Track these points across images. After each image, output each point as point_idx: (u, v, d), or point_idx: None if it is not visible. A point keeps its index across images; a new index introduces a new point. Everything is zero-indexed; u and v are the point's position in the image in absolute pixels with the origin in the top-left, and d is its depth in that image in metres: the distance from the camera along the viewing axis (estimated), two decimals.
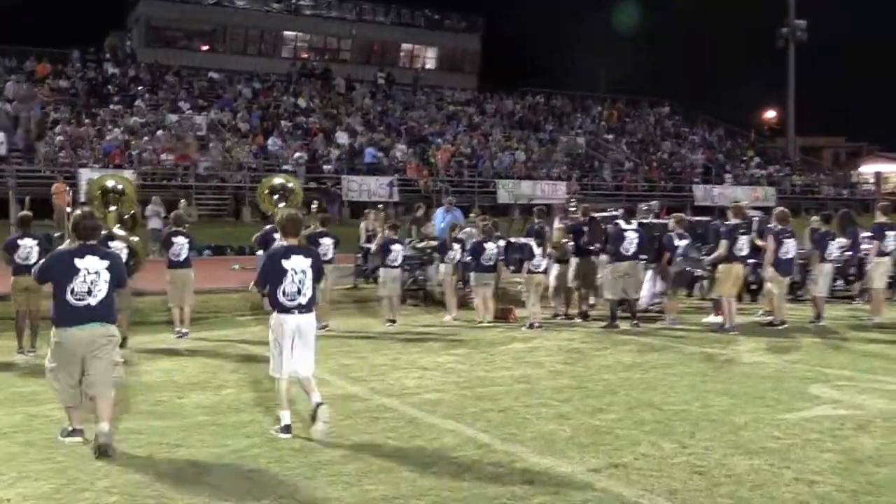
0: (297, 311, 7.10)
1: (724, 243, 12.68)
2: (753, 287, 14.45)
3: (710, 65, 62.30)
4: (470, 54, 51.92)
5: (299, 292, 7.10)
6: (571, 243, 14.46)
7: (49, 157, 30.32)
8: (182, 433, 7.14)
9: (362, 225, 18.23)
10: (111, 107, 35.65)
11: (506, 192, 35.62)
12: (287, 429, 7.02)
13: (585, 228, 14.27)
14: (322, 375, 9.61)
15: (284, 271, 7.07)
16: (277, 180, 13.68)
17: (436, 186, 34.89)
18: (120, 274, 7.01)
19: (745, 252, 12.93)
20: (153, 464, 6.28)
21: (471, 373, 9.77)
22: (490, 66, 52.44)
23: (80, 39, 42.27)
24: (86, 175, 28.46)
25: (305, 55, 48.25)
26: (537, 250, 13.59)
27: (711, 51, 62.06)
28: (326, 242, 13.54)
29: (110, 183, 12.57)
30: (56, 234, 18.90)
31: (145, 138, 32.71)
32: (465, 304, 15.45)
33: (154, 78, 40.43)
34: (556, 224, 15.66)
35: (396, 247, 14.22)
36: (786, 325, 13.13)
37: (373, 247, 15.44)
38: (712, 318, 13.93)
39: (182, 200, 26.01)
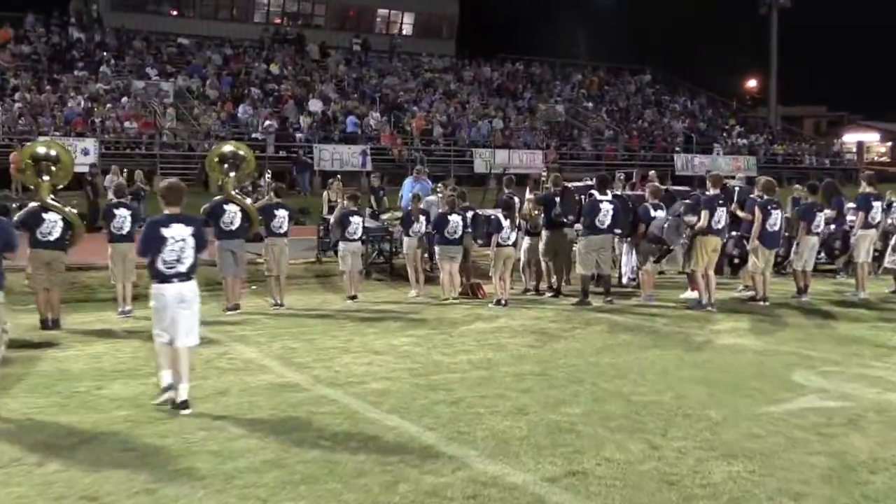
0: (176, 280, 7.03)
1: (704, 214, 11.89)
2: (736, 261, 13.64)
3: (692, 32, 61.18)
4: (447, 19, 50.63)
5: (178, 260, 7.04)
6: (542, 215, 13.66)
7: (7, 125, 29.14)
8: (89, 430, 6.32)
9: (325, 195, 17.29)
10: (75, 73, 34.37)
11: (482, 161, 34.71)
12: (167, 389, 7.00)
13: (557, 199, 13.45)
14: (263, 361, 8.86)
15: (164, 239, 7.02)
16: (227, 148, 12.79)
17: (410, 155, 33.96)
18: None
19: (722, 224, 12.14)
20: (43, 473, 5.44)
21: (427, 357, 8.97)
22: (468, 32, 51.26)
23: (44, 2, 40.82)
24: None
25: (278, 20, 46.83)
26: (505, 222, 12.78)
27: (693, 17, 60.96)
28: (281, 214, 12.69)
29: (42, 150, 11.67)
30: (14, 205, 18.06)
31: (108, 105, 31.51)
32: (432, 278, 14.68)
33: (121, 43, 39.03)
34: (527, 195, 14.82)
35: (356, 219, 13.36)
36: (768, 302, 12.43)
37: (332, 219, 14.54)
38: (689, 294, 13.19)
39: (137, 171, 25.13)
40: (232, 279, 12.22)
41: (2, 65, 33.60)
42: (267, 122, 32.64)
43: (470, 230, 13.54)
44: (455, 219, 13.22)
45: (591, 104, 46.15)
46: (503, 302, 12.56)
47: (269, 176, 13.82)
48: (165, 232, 7.02)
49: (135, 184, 24.71)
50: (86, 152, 27.82)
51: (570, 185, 13.91)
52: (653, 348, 9.33)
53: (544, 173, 14.75)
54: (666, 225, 12.12)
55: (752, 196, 13.05)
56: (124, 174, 22.20)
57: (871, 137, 55.01)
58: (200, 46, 40.96)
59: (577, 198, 13.19)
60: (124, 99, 32.46)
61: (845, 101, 65.11)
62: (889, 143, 55.41)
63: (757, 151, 44.35)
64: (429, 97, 40.83)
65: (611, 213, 12.44)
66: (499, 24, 56.87)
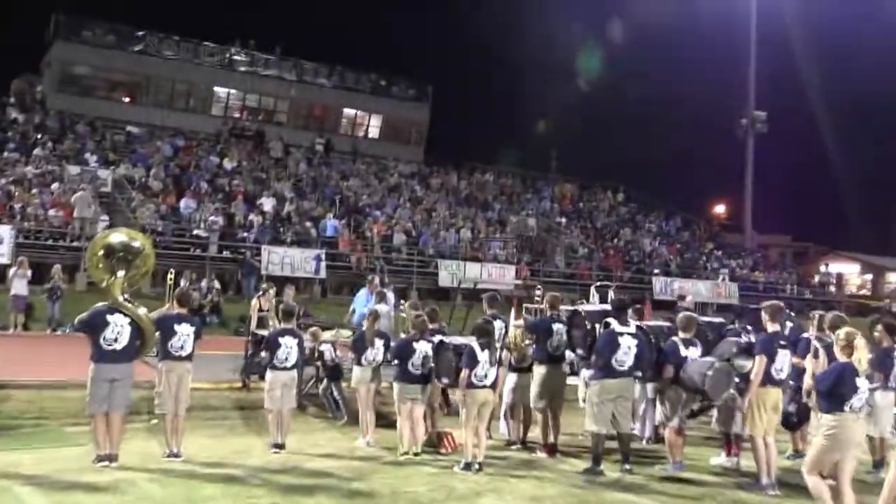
0: None
1: (760, 359, 8.76)
2: (794, 420, 10.31)
3: (665, 152, 60.01)
4: (416, 125, 48.29)
5: None
6: (535, 345, 10.46)
7: None
8: None
9: (255, 303, 13.87)
10: (4, 155, 30.99)
11: (448, 273, 31.57)
12: None
13: (557, 326, 10.28)
14: None
15: None
16: (117, 237, 9.44)
17: (370, 264, 30.82)
18: None
19: (785, 373, 9.01)
20: None
21: None
22: (436, 139, 48.99)
23: None
24: None
25: (238, 114, 44.14)
26: (482, 354, 9.41)
27: (666, 138, 59.89)
28: (183, 331, 9.28)
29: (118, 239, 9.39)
30: None
31: (34, 191, 28.08)
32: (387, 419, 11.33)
33: (62, 127, 35.99)
34: (513, 319, 11.62)
35: (288, 340, 10.01)
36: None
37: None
38: (723, 460, 10.02)
39: (55, 265, 21.71)
40: (104, 417, 8.76)
41: None
42: (211, 219, 29.36)
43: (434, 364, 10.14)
44: (422, 347, 9.92)
45: (564, 219, 43.64)
46: (477, 466, 9.18)
47: (172, 277, 10.19)
48: None
49: (52, 279, 21.36)
50: None
51: (580, 308, 10.69)
52: None
53: (539, 291, 11.62)
54: (710, 372, 8.92)
55: (806, 335, 9.97)
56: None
57: (851, 269, 52.97)
58: (151, 136, 38.01)
59: (588, 327, 9.90)
60: (54, 185, 29.08)
61: (811, 232, 63.98)
62: (869, 276, 53.37)
63: (742, 278, 41.83)
64: (393, 202, 38.00)
65: (633, 350, 9.25)
66: (469, 133, 55.03)
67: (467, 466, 9.18)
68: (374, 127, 47.59)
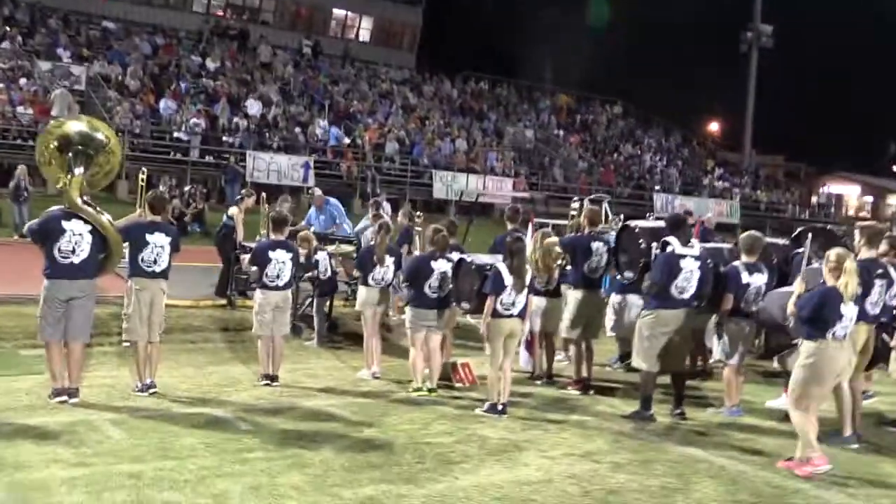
0: None
1: None
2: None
3: (661, 65, 57.61)
4: (409, 28, 45.90)
5: None
6: (569, 266, 8.98)
7: None
8: None
9: (234, 211, 12.12)
10: None
11: (443, 185, 30.04)
12: None
13: (597, 245, 8.81)
14: None
15: None
16: (75, 126, 7.73)
17: (361, 172, 29.19)
18: None
19: (880, 306, 7.57)
20: None
21: None
22: (429, 45, 46.59)
23: None
24: None
25: (220, 13, 41.65)
26: (509, 278, 7.92)
27: (664, 50, 57.48)
28: (157, 241, 7.69)
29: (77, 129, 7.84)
30: None
31: (0, 86, 26.07)
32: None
33: (33, 20, 33.62)
34: (530, 233, 10.11)
35: (280, 254, 8.47)
36: None
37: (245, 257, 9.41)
38: (782, 402, 8.63)
39: (21, 166, 19.86)
40: (59, 344, 7.28)
41: None
42: (193, 121, 27.48)
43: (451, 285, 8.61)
44: (441, 267, 8.40)
45: (562, 132, 41.83)
46: (500, 408, 7.79)
47: (143, 177, 8.41)
48: None
49: (16, 180, 19.57)
50: None
51: (632, 223, 9.12)
52: None
53: (575, 204, 10.08)
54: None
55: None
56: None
57: (852, 190, 51.57)
58: (128, 32, 35.65)
59: (642, 246, 8.36)
60: (23, 80, 27.09)
61: (804, 153, 62.27)
62: (870, 198, 52.06)
63: (744, 197, 40.46)
64: (384, 109, 36.07)
65: (696, 275, 7.78)
66: (463, 39, 52.46)
67: (492, 408, 7.80)
68: (364, 30, 45.21)
